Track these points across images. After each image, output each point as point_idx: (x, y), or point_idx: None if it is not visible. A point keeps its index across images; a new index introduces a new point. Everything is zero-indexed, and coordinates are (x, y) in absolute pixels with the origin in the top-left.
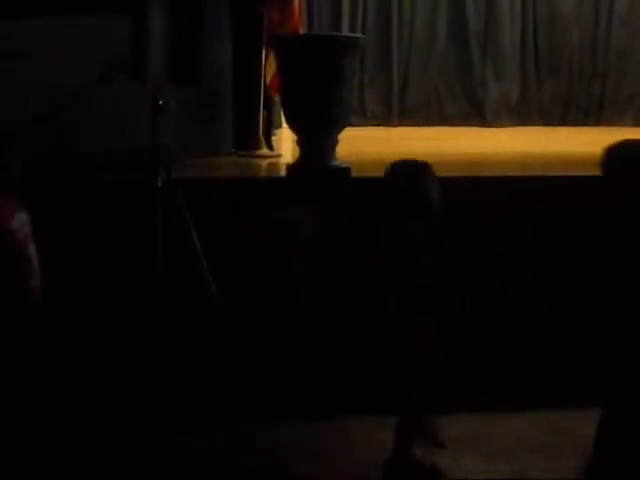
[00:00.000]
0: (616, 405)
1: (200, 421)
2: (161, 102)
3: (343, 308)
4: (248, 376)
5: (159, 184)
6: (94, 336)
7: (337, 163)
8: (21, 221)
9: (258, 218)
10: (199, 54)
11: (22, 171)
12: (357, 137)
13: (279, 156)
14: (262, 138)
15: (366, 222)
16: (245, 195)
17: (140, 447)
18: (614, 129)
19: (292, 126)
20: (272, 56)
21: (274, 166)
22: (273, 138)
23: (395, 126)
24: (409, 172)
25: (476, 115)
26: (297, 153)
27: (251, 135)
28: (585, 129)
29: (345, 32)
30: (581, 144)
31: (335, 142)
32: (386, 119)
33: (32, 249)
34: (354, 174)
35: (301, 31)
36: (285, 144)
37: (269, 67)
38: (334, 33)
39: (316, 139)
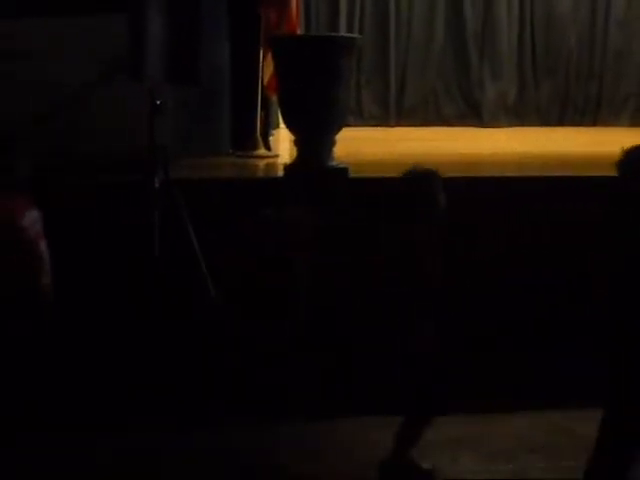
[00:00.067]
0: (616, 405)
1: (200, 421)
2: (159, 102)
3: (343, 308)
4: (248, 376)
5: (157, 184)
6: (94, 336)
7: (334, 163)
8: (32, 219)
9: (257, 218)
10: (197, 54)
11: (31, 171)
12: (354, 137)
13: (277, 156)
14: (260, 138)
15: (365, 222)
16: (243, 195)
17: (140, 447)
18: (610, 129)
19: (289, 126)
20: (270, 56)
21: (272, 166)
22: (270, 138)
23: (392, 127)
24: (420, 180)
25: (473, 115)
26: (294, 153)
27: (249, 135)
28: (582, 129)
29: (342, 33)
30: (578, 144)
31: (332, 142)
32: (383, 119)
33: (43, 246)
34: (352, 174)
35: (298, 32)
36: (282, 144)
37: (267, 67)
38: (331, 34)
39: (313, 139)
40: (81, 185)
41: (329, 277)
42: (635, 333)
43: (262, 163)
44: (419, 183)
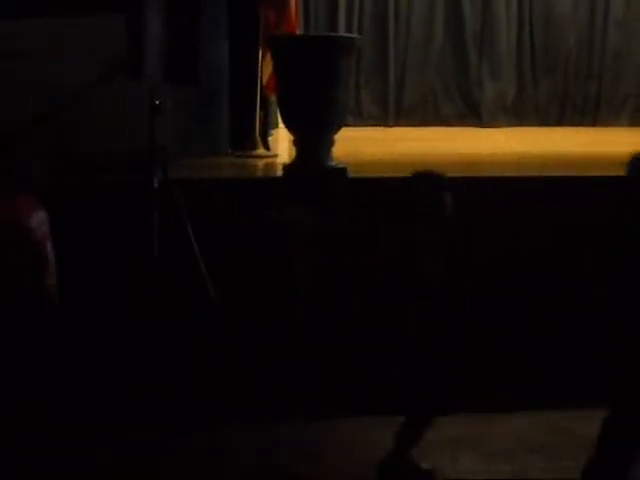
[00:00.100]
0: (617, 405)
1: (200, 421)
2: (158, 102)
3: (343, 308)
4: (248, 376)
5: (156, 184)
6: (93, 336)
7: (333, 163)
8: (39, 220)
9: (256, 218)
10: (197, 54)
11: (31, 171)
12: (353, 137)
13: (276, 156)
14: (259, 138)
15: (365, 222)
16: (242, 195)
17: (140, 447)
18: (610, 129)
19: (288, 126)
20: (269, 56)
21: (271, 166)
22: (270, 138)
23: (391, 126)
24: (421, 180)
25: (472, 115)
26: (293, 153)
27: (248, 135)
28: (581, 129)
29: (341, 32)
30: (578, 144)
31: (331, 142)
32: (382, 119)
33: (49, 247)
34: (351, 174)
35: (298, 31)
36: (281, 144)
37: (266, 67)
38: (331, 34)
39: (312, 139)
40: (81, 185)
41: (329, 277)
42: (635, 333)
43: (261, 163)
44: (420, 183)
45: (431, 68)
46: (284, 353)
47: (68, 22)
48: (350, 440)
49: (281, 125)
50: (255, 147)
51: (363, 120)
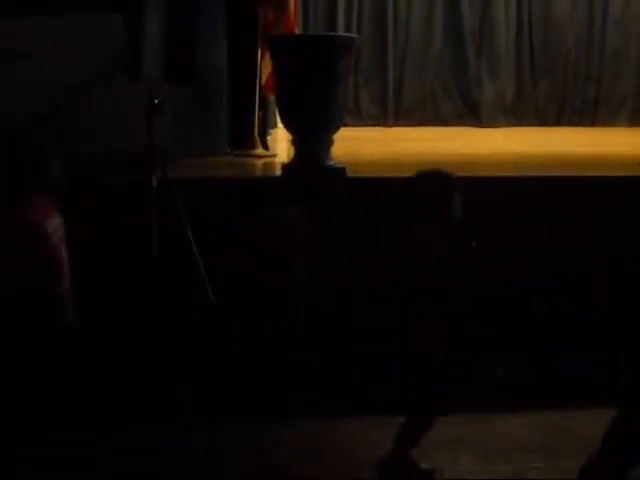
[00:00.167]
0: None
1: (200, 421)
2: (156, 102)
3: (343, 308)
4: (248, 376)
5: (154, 184)
6: (93, 336)
7: (332, 163)
8: (55, 225)
9: (255, 218)
10: (195, 54)
11: (62, 172)
12: (352, 137)
13: (274, 156)
14: (257, 138)
15: (363, 222)
16: (241, 195)
17: (140, 447)
18: (608, 130)
19: (287, 126)
20: (267, 56)
21: (270, 166)
22: (268, 138)
23: (390, 126)
24: (424, 180)
25: (471, 115)
26: (292, 153)
27: (246, 135)
28: (580, 129)
29: (340, 32)
30: (576, 144)
31: (330, 142)
32: (381, 119)
33: (64, 252)
34: (349, 174)
35: (296, 31)
36: (280, 144)
37: (264, 67)
38: (329, 33)
39: (311, 139)
40: (80, 185)
41: (328, 277)
42: (635, 333)
43: (260, 163)
44: (426, 183)
45: (430, 68)
46: (284, 353)
47: (68, 22)
48: (350, 440)
49: (280, 125)
50: (254, 147)
51: (362, 120)
